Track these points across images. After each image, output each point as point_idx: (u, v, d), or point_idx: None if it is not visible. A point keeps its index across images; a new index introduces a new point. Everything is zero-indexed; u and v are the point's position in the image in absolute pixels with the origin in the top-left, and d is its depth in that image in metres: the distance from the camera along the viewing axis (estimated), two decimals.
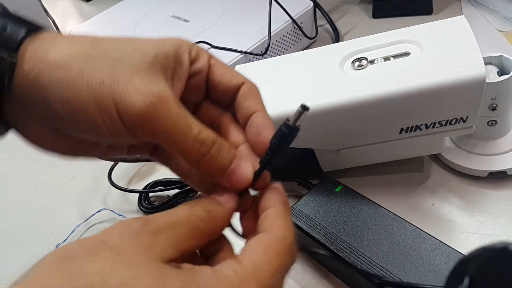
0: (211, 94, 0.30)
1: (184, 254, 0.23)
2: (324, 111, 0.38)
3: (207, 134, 0.26)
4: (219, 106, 0.31)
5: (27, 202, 0.54)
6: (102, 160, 0.50)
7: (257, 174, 0.27)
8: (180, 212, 0.24)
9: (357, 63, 0.41)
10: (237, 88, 0.29)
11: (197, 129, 0.26)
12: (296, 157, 0.45)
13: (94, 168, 0.54)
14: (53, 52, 0.25)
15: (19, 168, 0.59)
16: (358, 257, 0.35)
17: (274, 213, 0.26)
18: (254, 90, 0.30)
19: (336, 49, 0.44)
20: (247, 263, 0.23)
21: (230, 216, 0.27)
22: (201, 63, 0.29)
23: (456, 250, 0.34)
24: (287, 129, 0.26)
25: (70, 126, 0.26)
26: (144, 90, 0.24)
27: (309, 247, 0.39)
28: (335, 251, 0.36)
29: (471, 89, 0.36)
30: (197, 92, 0.30)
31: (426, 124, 0.39)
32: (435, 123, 0.39)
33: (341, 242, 0.37)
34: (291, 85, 0.42)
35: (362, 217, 0.38)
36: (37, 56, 0.25)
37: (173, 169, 0.31)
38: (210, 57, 0.30)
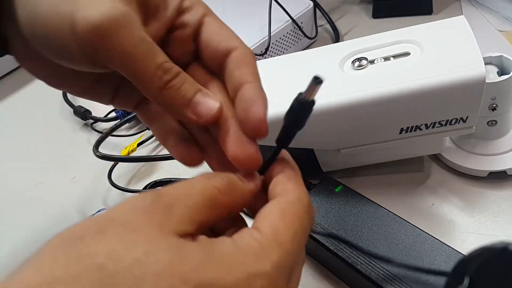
0: (200, 56, 0.27)
1: (201, 227, 0.21)
2: (324, 111, 0.38)
3: (172, 65, 0.24)
4: (209, 71, 0.27)
5: (27, 202, 0.54)
6: (102, 160, 0.50)
7: (274, 156, 0.26)
8: (197, 182, 0.22)
9: (357, 63, 0.41)
10: (228, 53, 0.26)
11: (162, 57, 0.24)
12: (296, 157, 0.44)
13: (94, 168, 0.54)
14: None
15: (19, 168, 0.59)
16: (358, 257, 0.35)
17: (285, 177, 0.25)
18: (248, 57, 0.26)
19: (336, 49, 0.44)
20: (266, 229, 0.21)
21: (252, 193, 0.25)
22: (191, 17, 0.26)
23: (456, 250, 0.34)
24: (301, 103, 0.25)
25: (37, 44, 0.25)
26: (108, 6, 0.22)
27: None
28: (335, 251, 0.36)
29: (471, 89, 0.36)
30: (183, 50, 0.27)
31: (426, 124, 0.39)
32: (435, 123, 0.39)
33: (341, 242, 0.37)
34: (291, 85, 0.42)
35: (362, 217, 0.38)
36: None
37: (157, 130, 0.29)
38: (207, 13, 0.27)
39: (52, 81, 0.29)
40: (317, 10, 0.66)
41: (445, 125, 0.39)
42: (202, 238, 0.21)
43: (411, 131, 0.40)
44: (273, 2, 0.61)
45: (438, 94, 0.36)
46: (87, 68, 0.25)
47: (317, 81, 0.24)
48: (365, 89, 0.38)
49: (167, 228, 0.20)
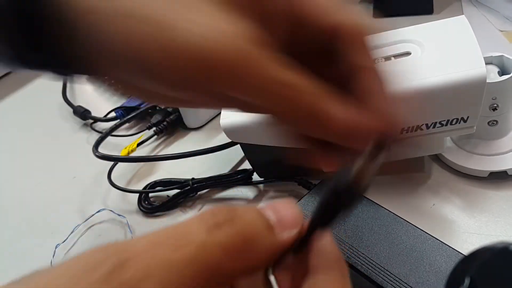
0: (297, 34, 0.21)
1: None
2: None
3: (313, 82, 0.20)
4: (310, 52, 0.22)
5: (27, 202, 0.54)
6: (102, 160, 0.50)
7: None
8: (186, 234, 0.16)
9: None
10: (334, 31, 0.21)
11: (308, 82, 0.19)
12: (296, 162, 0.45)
13: (94, 168, 0.54)
14: None
15: (19, 168, 0.59)
16: (359, 258, 0.35)
17: (330, 279, 0.18)
18: (359, 36, 0.22)
19: None
20: None
21: (281, 250, 0.18)
22: None
23: (456, 251, 0.34)
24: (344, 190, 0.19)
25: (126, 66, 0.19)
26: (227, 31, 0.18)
27: None
28: None
29: (472, 89, 0.36)
30: (278, 28, 0.21)
31: (426, 124, 0.39)
32: (435, 123, 0.39)
33: (341, 242, 0.37)
34: None
35: (362, 217, 0.38)
36: None
37: None
38: None
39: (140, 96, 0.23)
40: None
41: (446, 125, 0.39)
42: None
43: (411, 131, 0.39)
44: None
45: (439, 94, 0.36)
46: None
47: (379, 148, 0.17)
48: None
49: None
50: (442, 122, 0.39)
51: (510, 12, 0.62)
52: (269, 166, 0.48)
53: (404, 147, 0.36)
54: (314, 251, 0.19)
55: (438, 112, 0.38)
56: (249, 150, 0.46)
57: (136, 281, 0.14)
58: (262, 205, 0.25)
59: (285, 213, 0.18)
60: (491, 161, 0.43)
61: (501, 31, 0.59)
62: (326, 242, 0.19)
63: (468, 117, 0.38)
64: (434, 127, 0.39)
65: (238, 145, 0.51)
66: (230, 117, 0.43)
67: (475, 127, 0.39)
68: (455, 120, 0.38)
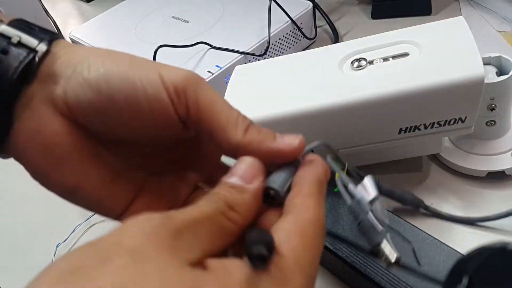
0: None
1: (211, 255, 0.20)
2: (323, 112, 0.39)
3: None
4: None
5: (28, 201, 0.54)
6: None
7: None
8: (203, 208, 0.21)
9: (356, 64, 0.41)
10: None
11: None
12: None
13: None
14: (80, 50, 0.26)
15: (19, 167, 0.59)
16: (357, 257, 0.36)
17: (306, 190, 0.24)
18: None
19: (335, 49, 0.44)
20: (287, 252, 0.20)
21: (258, 202, 0.23)
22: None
23: (455, 250, 0.34)
24: None
25: (101, 107, 0.24)
26: (185, 70, 0.25)
27: None
28: (334, 250, 0.36)
29: (470, 90, 0.36)
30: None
31: (425, 125, 0.39)
32: (434, 123, 0.39)
33: (341, 242, 0.37)
34: (290, 86, 0.42)
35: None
36: (68, 49, 0.25)
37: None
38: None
39: (60, 171, 0.26)
40: (316, 10, 0.66)
41: (444, 125, 0.39)
42: (214, 264, 0.19)
43: (410, 131, 0.40)
44: (273, 3, 0.61)
45: (437, 95, 0.37)
46: (152, 132, 0.26)
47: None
48: (364, 90, 0.38)
49: (178, 257, 0.18)
50: (440, 122, 0.39)
51: (508, 13, 0.62)
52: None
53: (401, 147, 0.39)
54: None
55: (436, 112, 0.38)
56: None
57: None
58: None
59: (245, 171, 0.24)
60: (489, 161, 0.43)
61: (499, 31, 0.60)
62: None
63: (466, 117, 0.38)
64: (432, 127, 0.39)
65: None
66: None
67: (473, 127, 0.39)
68: (453, 121, 0.39)
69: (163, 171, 0.29)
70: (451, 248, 0.34)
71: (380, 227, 0.30)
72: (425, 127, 0.39)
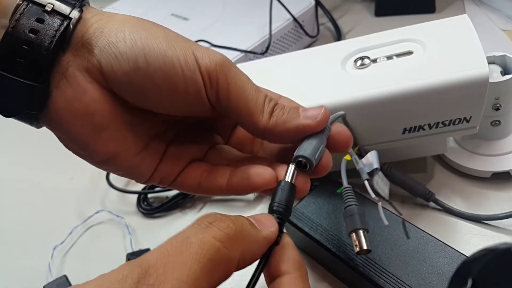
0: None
1: None
2: None
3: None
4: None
5: (25, 203, 0.54)
6: None
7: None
8: (191, 239, 0.20)
9: (359, 62, 0.40)
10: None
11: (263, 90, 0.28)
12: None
13: (92, 168, 0.53)
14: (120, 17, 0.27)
15: (17, 169, 0.59)
16: (360, 259, 0.35)
17: (291, 281, 0.23)
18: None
19: (338, 47, 0.43)
20: None
21: (267, 241, 0.24)
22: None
23: (459, 252, 0.34)
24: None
25: (138, 79, 0.25)
26: (219, 53, 0.27)
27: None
28: (336, 252, 0.36)
29: (475, 89, 0.36)
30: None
31: (429, 124, 0.38)
32: (438, 123, 0.38)
33: (342, 243, 0.36)
34: (292, 84, 0.42)
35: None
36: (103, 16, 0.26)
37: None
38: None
39: (101, 138, 0.26)
40: (318, 8, 0.66)
41: (449, 125, 0.38)
42: None
43: (414, 131, 0.39)
44: (274, 0, 0.60)
45: (441, 94, 0.36)
46: (183, 108, 0.27)
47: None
48: (368, 89, 0.37)
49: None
50: (445, 122, 0.38)
51: None
52: None
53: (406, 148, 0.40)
54: (280, 258, 0.24)
55: (441, 112, 0.38)
56: None
57: (160, 282, 0.18)
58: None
59: (260, 217, 0.24)
60: (493, 162, 0.43)
61: (504, 30, 0.59)
62: (289, 250, 0.24)
63: (471, 117, 0.38)
64: (436, 127, 0.39)
65: None
66: None
67: (478, 127, 0.39)
68: (457, 120, 0.38)
69: (185, 135, 0.30)
70: (455, 250, 0.34)
71: (373, 195, 0.34)
72: (430, 127, 0.39)
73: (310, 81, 0.41)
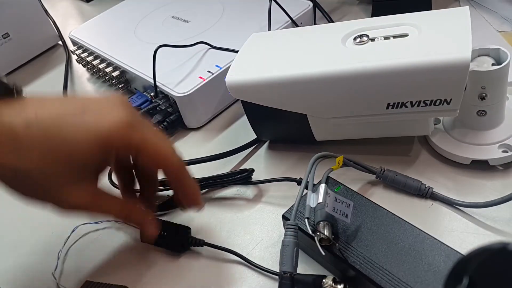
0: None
1: None
2: (319, 79, 0.42)
3: None
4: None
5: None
6: None
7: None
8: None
9: (358, 39, 0.44)
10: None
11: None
12: (291, 125, 0.47)
13: None
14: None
15: None
16: (357, 257, 0.35)
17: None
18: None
19: (344, 25, 0.47)
20: None
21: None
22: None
23: (455, 250, 0.34)
24: None
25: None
26: (124, 112, 0.36)
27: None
28: (334, 251, 0.36)
29: (454, 72, 0.38)
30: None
31: (411, 102, 0.40)
32: (419, 101, 0.40)
33: (341, 242, 0.37)
34: (295, 53, 0.46)
35: (361, 216, 0.38)
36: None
37: None
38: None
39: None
40: (316, 10, 0.66)
41: (430, 105, 0.40)
42: None
43: (397, 107, 0.41)
44: (273, 3, 0.61)
45: (424, 74, 0.38)
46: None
47: None
48: (360, 62, 0.40)
49: None
50: (426, 102, 0.40)
51: (508, 12, 0.62)
52: (270, 129, 0.50)
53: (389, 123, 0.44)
54: None
55: (422, 91, 0.40)
56: (251, 110, 0.47)
57: None
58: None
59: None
60: (474, 150, 0.44)
61: (500, 31, 0.60)
62: None
63: (451, 99, 0.39)
64: (418, 105, 0.41)
65: (239, 147, 0.51)
66: (236, 74, 0.45)
67: (458, 111, 0.40)
68: (438, 101, 0.40)
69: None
70: (451, 248, 0.34)
71: (310, 232, 0.37)
72: (412, 105, 0.41)
73: (313, 52, 0.45)
